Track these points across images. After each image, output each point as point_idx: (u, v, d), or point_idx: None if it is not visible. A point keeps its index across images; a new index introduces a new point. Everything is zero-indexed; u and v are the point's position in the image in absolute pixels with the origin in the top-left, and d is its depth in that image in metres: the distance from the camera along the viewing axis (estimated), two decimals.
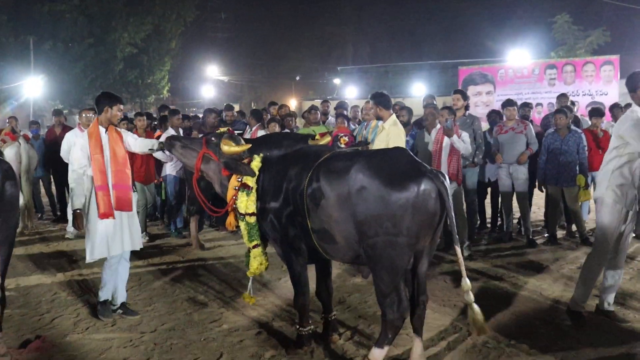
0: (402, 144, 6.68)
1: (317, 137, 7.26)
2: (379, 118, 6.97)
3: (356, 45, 53.38)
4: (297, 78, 50.78)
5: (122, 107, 5.80)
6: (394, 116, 6.97)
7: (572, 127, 8.58)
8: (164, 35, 34.62)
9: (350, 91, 37.77)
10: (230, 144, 4.88)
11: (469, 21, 44.08)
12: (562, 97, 9.86)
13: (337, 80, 43.95)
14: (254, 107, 49.22)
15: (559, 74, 23.76)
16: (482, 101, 24.64)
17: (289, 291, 5.30)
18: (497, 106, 21.69)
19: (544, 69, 24.31)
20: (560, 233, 8.96)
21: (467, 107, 8.35)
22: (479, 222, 9.31)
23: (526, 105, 9.69)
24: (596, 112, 8.97)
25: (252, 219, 4.79)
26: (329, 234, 4.29)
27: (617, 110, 9.30)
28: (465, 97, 8.49)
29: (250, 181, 4.75)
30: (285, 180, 4.60)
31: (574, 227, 8.80)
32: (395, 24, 51.14)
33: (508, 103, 8.71)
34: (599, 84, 22.86)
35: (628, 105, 8.56)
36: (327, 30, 51.65)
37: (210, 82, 48.69)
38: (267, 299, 6.23)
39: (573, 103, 10.79)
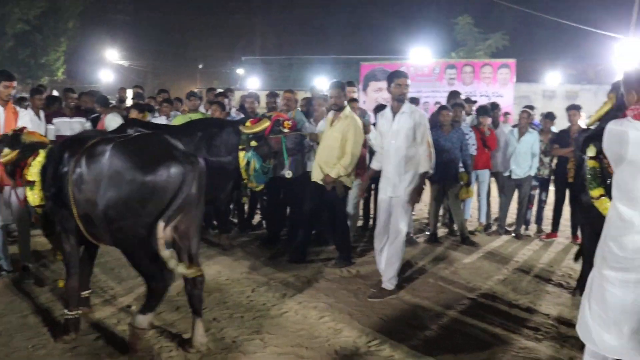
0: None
1: (248, 123, 6.78)
2: (340, 108, 6.76)
3: (263, 36, 52.54)
4: (200, 67, 49.37)
5: (9, 84, 5.75)
6: (348, 107, 6.87)
7: (464, 123, 8.39)
8: (61, 14, 32.44)
9: (253, 82, 36.98)
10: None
11: (374, 18, 44.28)
12: (454, 94, 9.53)
13: (240, 71, 42.94)
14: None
15: (459, 74, 23.96)
16: (382, 97, 24.48)
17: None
18: None
19: (444, 68, 24.47)
20: (442, 231, 8.76)
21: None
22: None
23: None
24: (483, 110, 8.72)
25: (40, 211, 4.76)
26: (89, 218, 4.23)
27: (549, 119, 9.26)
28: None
29: (32, 176, 4.68)
30: (59, 167, 4.46)
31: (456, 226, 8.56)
32: (304, 17, 50.81)
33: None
34: (495, 86, 23.20)
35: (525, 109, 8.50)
36: (235, 19, 50.55)
37: (110, 66, 46.52)
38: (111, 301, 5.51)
39: (469, 101, 10.50)
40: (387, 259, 5.88)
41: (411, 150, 5.83)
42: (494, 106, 9.24)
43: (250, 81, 37.15)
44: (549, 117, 9.24)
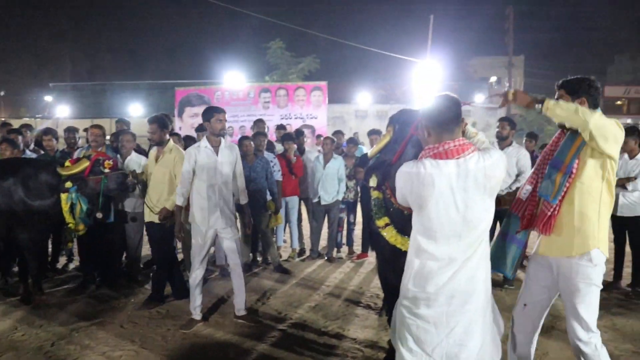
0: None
1: (68, 163, 6.37)
2: (159, 143, 6.54)
3: (74, 61, 50.05)
4: (2, 93, 45.96)
5: None
6: (172, 141, 6.68)
7: (267, 152, 8.39)
8: None
9: (63, 110, 35.08)
10: None
11: (189, 42, 43.97)
12: (259, 122, 9.53)
13: (48, 98, 40.54)
14: None
15: (273, 97, 24.34)
16: (199, 123, 24.23)
17: None
18: None
19: (258, 92, 24.74)
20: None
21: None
22: None
23: None
24: (288, 137, 8.83)
25: None
26: None
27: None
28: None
29: None
30: None
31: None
32: (117, 41, 49.26)
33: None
34: (309, 108, 23.82)
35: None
36: (42, 43, 47.72)
37: None
38: None
39: (282, 127, 10.53)
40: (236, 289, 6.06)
41: (234, 184, 6.05)
42: (299, 133, 9.40)
43: (60, 109, 35.19)
44: (352, 141, 9.55)
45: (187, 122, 25.00)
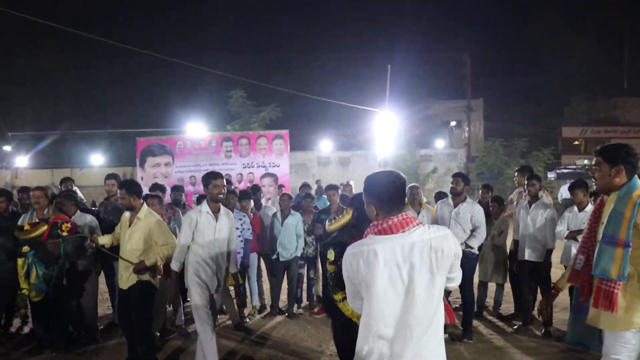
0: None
1: (26, 226, 6.28)
2: (130, 208, 6.25)
3: (35, 109, 49.54)
4: None
5: None
6: (145, 205, 6.37)
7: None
8: None
9: (23, 160, 34.65)
10: None
11: (150, 92, 44.05)
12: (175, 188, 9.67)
13: (7, 147, 39.97)
14: None
15: (235, 146, 24.30)
16: (160, 172, 24.15)
17: None
18: (175, 178, 21.63)
19: (220, 141, 24.69)
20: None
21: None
22: None
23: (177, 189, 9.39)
24: (244, 194, 8.89)
25: None
26: None
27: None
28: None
29: None
30: None
31: None
32: (80, 89, 49.04)
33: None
34: (271, 157, 23.80)
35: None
36: (1, 91, 47.16)
37: None
38: None
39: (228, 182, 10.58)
40: None
41: (229, 247, 6.32)
42: (256, 189, 9.48)
43: (20, 159, 34.75)
44: (308, 196, 9.68)
45: (149, 172, 24.76)
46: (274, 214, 9.00)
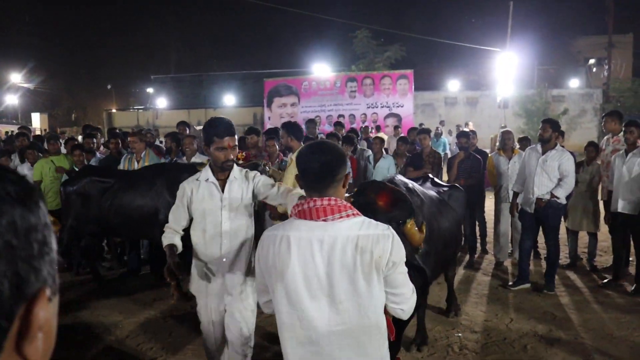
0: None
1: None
2: (288, 149, 6.29)
3: (176, 54, 52.10)
4: (109, 87, 48.52)
5: None
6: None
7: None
8: None
9: (162, 101, 36.78)
10: None
11: (277, 33, 44.81)
12: (310, 122, 10.10)
13: (150, 90, 42.54)
14: (75, 116, 46.14)
15: (359, 86, 24.62)
16: (287, 112, 24.96)
17: None
18: (300, 118, 22.21)
19: (345, 81, 25.08)
20: None
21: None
22: None
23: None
24: (347, 139, 9.05)
25: None
26: None
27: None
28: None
29: None
30: None
31: None
32: (217, 32, 50.83)
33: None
34: (395, 97, 23.95)
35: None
36: (146, 37, 49.88)
37: (13, 89, 44.90)
38: None
39: (313, 121, 10.93)
40: None
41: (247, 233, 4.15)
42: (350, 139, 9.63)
43: (160, 100, 36.90)
44: (404, 140, 9.80)
45: (275, 112, 25.71)
46: (367, 157, 9.12)
